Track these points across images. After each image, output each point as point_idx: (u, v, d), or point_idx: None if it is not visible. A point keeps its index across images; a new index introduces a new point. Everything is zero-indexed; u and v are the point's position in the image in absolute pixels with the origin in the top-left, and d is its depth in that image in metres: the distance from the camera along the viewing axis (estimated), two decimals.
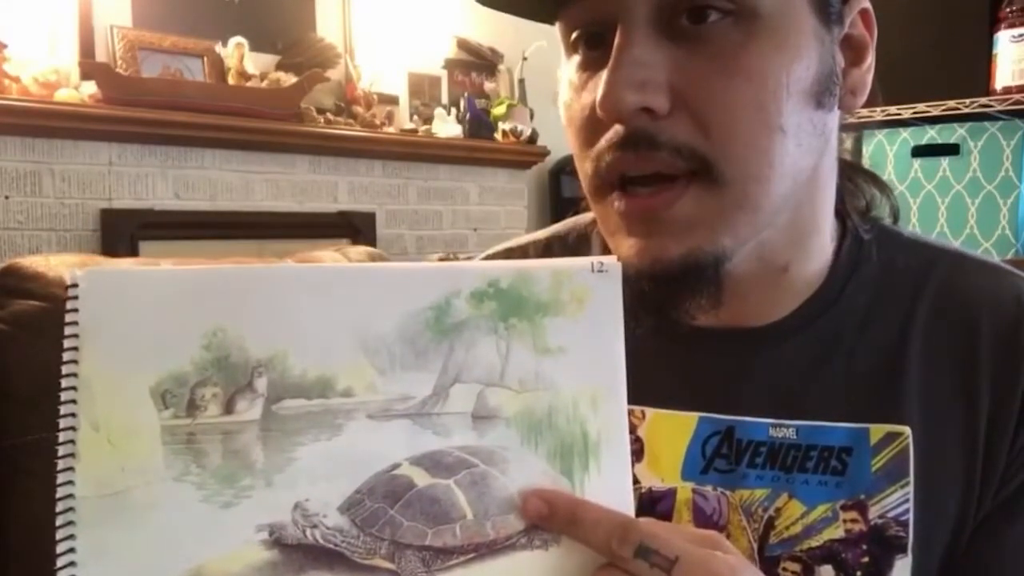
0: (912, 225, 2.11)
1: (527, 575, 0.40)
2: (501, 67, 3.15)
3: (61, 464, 0.37)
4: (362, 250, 1.57)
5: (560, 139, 3.00)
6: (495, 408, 0.40)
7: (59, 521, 0.37)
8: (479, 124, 2.94)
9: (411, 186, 2.85)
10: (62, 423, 0.37)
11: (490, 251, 0.71)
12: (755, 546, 0.54)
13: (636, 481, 0.55)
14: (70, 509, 0.37)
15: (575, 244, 0.65)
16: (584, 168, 0.51)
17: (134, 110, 2.14)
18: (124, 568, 0.37)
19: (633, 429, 0.56)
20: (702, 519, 0.55)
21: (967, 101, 1.98)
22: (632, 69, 0.46)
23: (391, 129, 2.75)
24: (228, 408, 0.38)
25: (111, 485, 0.37)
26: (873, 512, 0.52)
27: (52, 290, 0.82)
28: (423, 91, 2.98)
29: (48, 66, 2.08)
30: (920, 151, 2.11)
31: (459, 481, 0.39)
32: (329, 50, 2.70)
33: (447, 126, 2.87)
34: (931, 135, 2.09)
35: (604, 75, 0.46)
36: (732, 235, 0.48)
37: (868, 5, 0.52)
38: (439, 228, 2.95)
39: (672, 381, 0.56)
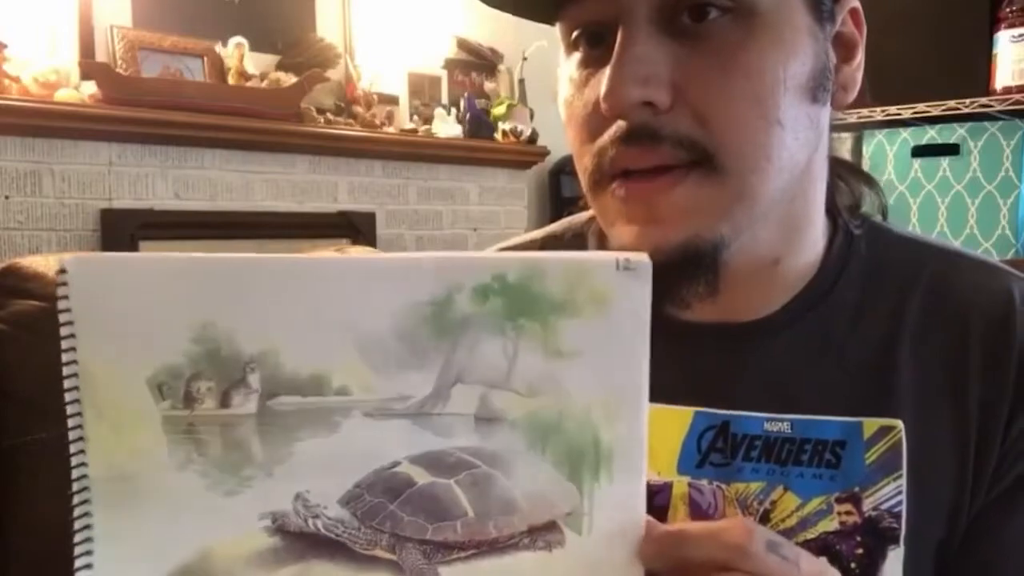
0: (912, 225, 2.11)
1: (530, 574, 0.39)
2: (501, 67, 3.15)
3: (73, 448, 0.37)
4: (362, 250, 1.57)
5: (560, 139, 3.00)
6: (500, 411, 0.38)
7: (75, 500, 0.37)
8: (479, 124, 2.94)
9: (411, 186, 2.86)
10: (68, 409, 0.37)
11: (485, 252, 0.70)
12: None
13: None
14: (85, 489, 0.37)
15: (571, 243, 0.66)
16: (584, 163, 0.52)
17: (134, 110, 2.15)
18: (136, 549, 0.38)
19: None
20: (698, 513, 0.55)
21: (967, 101, 1.98)
22: (635, 65, 0.47)
23: (391, 129, 2.75)
24: (224, 402, 0.38)
25: (120, 468, 0.38)
26: (867, 504, 0.52)
27: (52, 290, 0.82)
28: (423, 91, 2.98)
29: (48, 66, 2.08)
30: (920, 151, 2.11)
31: (460, 481, 0.38)
32: (329, 50, 2.70)
33: (447, 126, 2.87)
34: (931, 135, 2.09)
35: (607, 71, 0.47)
36: (730, 224, 0.49)
37: (857, 5, 0.54)
38: (439, 228, 2.95)
39: (667, 376, 0.56)
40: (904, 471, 0.52)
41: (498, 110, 3.03)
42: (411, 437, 0.38)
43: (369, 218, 2.73)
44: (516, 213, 3.18)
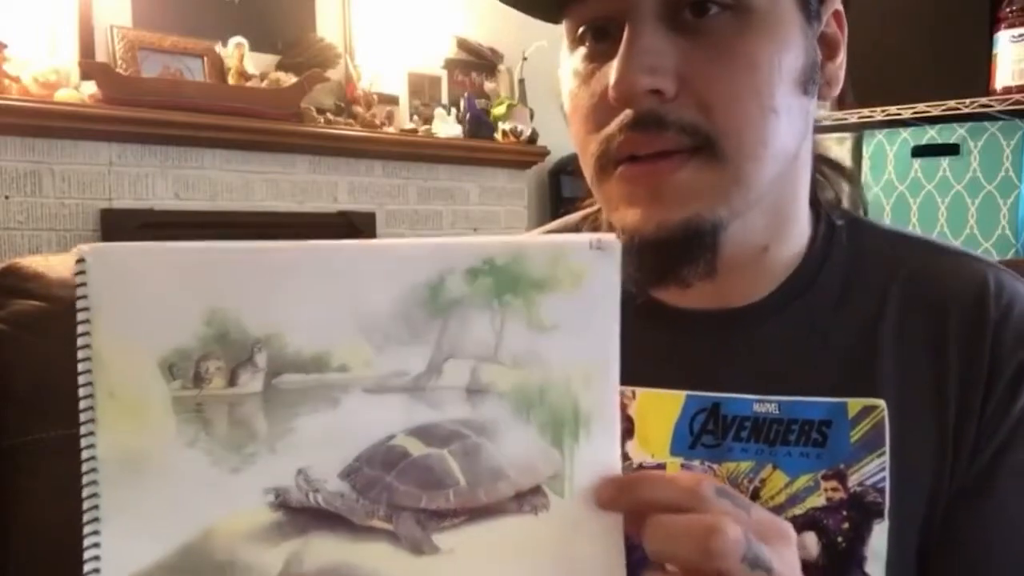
0: (912, 225, 2.11)
1: (517, 537, 0.41)
2: (501, 67, 3.15)
3: (83, 429, 0.39)
4: None
5: (560, 139, 3.01)
6: (488, 383, 0.41)
7: (84, 480, 0.39)
8: (479, 124, 2.94)
9: (411, 186, 2.86)
10: (81, 391, 0.39)
11: None
12: None
13: (627, 458, 0.58)
14: (93, 470, 0.39)
15: None
16: (589, 151, 0.55)
17: (134, 110, 2.15)
18: (143, 525, 0.40)
19: (624, 408, 0.58)
20: None
21: (967, 101, 1.98)
22: (643, 56, 0.50)
23: (391, 129, 2.75)
24: (231, 381, 0.40)
25: (129, 448, 0.40)
26: (852, 480, 0.55)
27: (52, 290, 0.82)
28: (423, 91, 2.98)
29: (48, 66, 2.08)
30: (920, 151, 2.11)
31: (453, 451, 0.41)
32: (329, 50, 2.70)
33: (447, 126, 2.87)
34: (931, 135, 2.09)
35: (615, 62, 0.50)
36: (728, 207, 0.52)
37: (840, 7, 0.58)
38: (439, 228, 2.95)
39: (660, 362, 0.59)
40: (887, 448, 0.54)
41: (498, 110, 3.03)
42: (407, 410, 0.40)
43: (369, 218, 2.73)
44: (516, 213, 3.18)
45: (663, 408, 0.58)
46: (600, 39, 0.53)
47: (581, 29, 0.54)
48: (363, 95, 2.70)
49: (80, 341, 0.39)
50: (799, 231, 0.59)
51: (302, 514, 0.40)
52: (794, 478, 0.55)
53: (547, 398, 0.41)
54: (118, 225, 2.20)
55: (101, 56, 2.27)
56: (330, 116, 2.60)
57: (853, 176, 0.65)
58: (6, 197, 2.06)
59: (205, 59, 2.41)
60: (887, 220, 2.10)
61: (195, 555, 0.40)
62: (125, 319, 0.39)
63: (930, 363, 0.56)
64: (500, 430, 0.41)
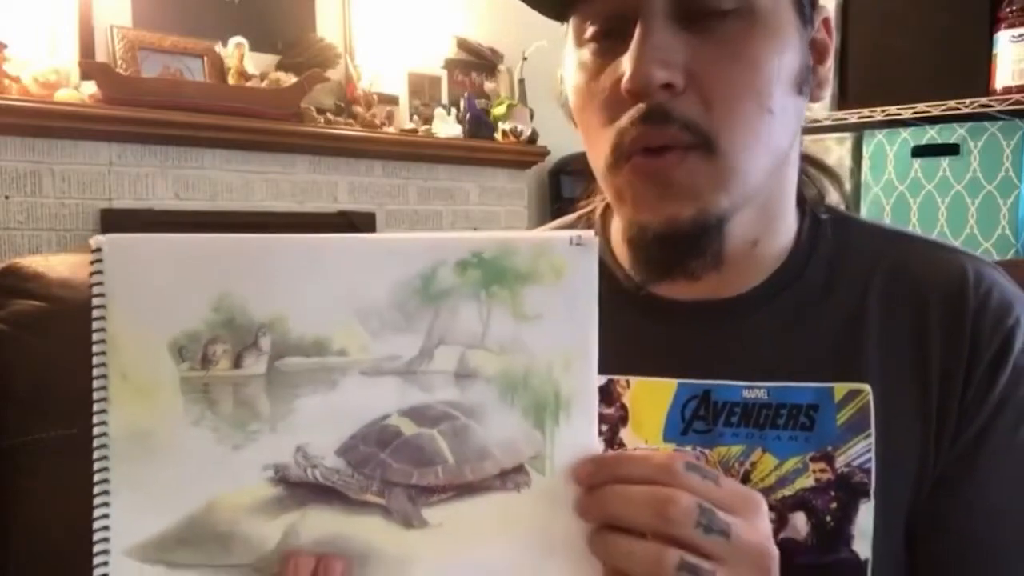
0: (912, 225, 2.11)
1: (501, 512, 0.44)
2: (501, 67, 3.15)
3: (96, 408, 0.42)
4: None
5: (560, 139, 3.01)
6: (476, 368, 0.43)
7: (95, 456, 0.42)
8: (479, 124, 2.94)
9: (411, 186, 2.85)
10: (95, 372, 0.42)
11: None
12: None
13: (621, 444, 0.61)
14: (104, 446, 0.42)
15: None
16: (599, 145, 0.56)
17: (134, 110, 2.14)
18: (149, 498, 0.43)
19: (618, 397, 0.61)
20: None
21: (967, 101, 1.98)
22: (657, 51, 0.52)
23: (391, 129, 2.75)
24: (237, 363, 0.43)
25: (138, 426, 0.43)
26: (839, 462, 0.57)
27: (52, 290, 0.82)
28: (423, 91, 2.98)
29: (48, 66, 2.08)
30: (920, 151, 2.11)
31: (442, 431, 0.43)
32: (329, 50, 2.70)
33: (447, 126, 2.87)
34: (931, 135, 2.09)
35: (630, 56, 0.52)
36: (729, 199, 0.55)
37: (830, 15, 0.61)
38: (439, 228, 2.95)
39: (653, 351, 0.61)
40: (872, 431, 0.57)
41: (498, 110, 3.03)
42: (401, 392, 0.43)
43: (369, 218, 2.73)
44: (516, 213, 3.18)
45: (656, 396, 0.60)
46: (608, 36, 0.55)
47: (589, 25, 0.56)
48: (363, 95, 2.70)
49: (95, 325, 0.42)
50: (787, 226, 0.62)
51: (300, 489, 0.43)
52: (783, 461, 0.57)
53: (530, 383, 0.43)
54: (118, 225, 2.20)
55: (101, 56, 2.27)
56: (330, 116, 2.60)
57: (836, 175, 0.68)
58: (6, 197, 2.06)
59: (205, 59, 2.41)
60: (887, 220, 2.10)
61: (198, 526, 0.43)
62: (138, 305, 0.42)
63: (913, 350, 0.58)
64: (486, 412, 0.44)
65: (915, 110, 2.05)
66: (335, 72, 2.69)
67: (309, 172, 2.59)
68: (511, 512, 0.44)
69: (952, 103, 1.99)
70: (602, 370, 0.44)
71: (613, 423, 0.61)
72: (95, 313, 0.42)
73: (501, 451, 0.44)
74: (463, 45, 3.07)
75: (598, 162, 0.57)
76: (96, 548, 0.42)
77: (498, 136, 3.00)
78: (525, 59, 3.04)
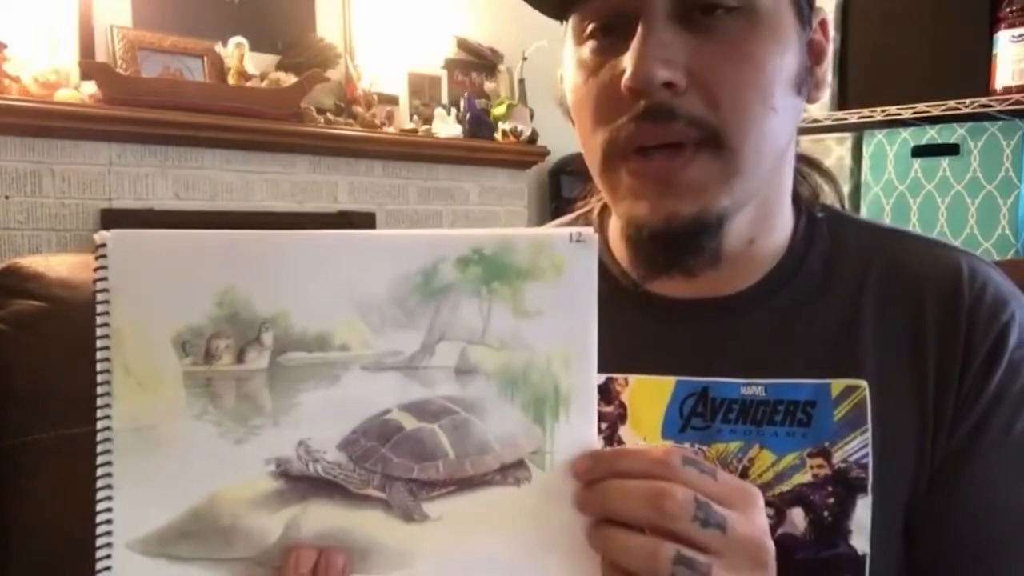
0: (912, 225, 2.11)
1: (501, 506, 0.44)
2: (501, 67, 3.15)
3: (99, 402, 0.43)
4: None
5: (560, 139, 3.01)
6: (476, 363, 0.44)
7: (98, 449, 0.43)
8: (479, 124, 2.94)
9: (411, 186, 2.86)
10: (99, 367, 0.43)
11: None
12: None
13: (620, 441, 0.61)
14: (107, 440, 0.43)
15: None
16: (595, 142, 0.57)
17: (134, 110, 2.15)
18: (152, 492, 0.43)
19: (617, 395, 0.61)
20: None
21: (967, 101, 1.98)
22: (659, 49, 0.52)
23: (391, 129, 2.75)
24: (239, 358, 0.43)
25: (141, 420, 0.43)
26: (837, 457, 0.57)
27: (52, 290, 0.82)
28: (423, 91, 2.98)
29: (48, 66, 2.08)
30: (920, 151, 2.11)
31: (443, 426, 0.44)
32: (329, 50, 2.70)
33: (447, 126, 2.87)
34: (931, 135, 2.09)
35: (631, 55, 0.52)
36: (731, 197, 0.55)
37: (826, 16, 0.61)
38: (439, 228, 2.95)
39: (652, 349, 0.62)
40: (869, 426, 0.57)
41: (498, 110, 3.03)
42: (402, 387, 0.44)
43: (369, 218, 2.73)
44: (516, 213, 3.18)
45: (654, 393, 0.60)
46: (608, 34, 0.55)
47: (589, 24, 0.56)
48: (363, 95, 2.70)
49: (99, 320, 0.42)
50: (783, 224, 0.62)
51: (302, 482, 0.43)
52: (781, 456, 0.58)
53: (530, 378, 0.44)
54: (118, 225, 2.13)
55: (101, 56, 2.27)
56: (330, 116, 2.60)
57: (831, 174, 0.69)
58: (6, 197, 2.06)
59: (205, 59, 2.41)
60: (887, 219, 2.10)
61: (201, 519, 0.43)
62: (142, 300, 0.43)
63: (909, 346, 0.58)
64: (486, 407, 0.44)
65: (915, 110, 2.05)
66: (335, 72, 2.69)
67: (309, 172, 2.59)
68: (511, 506, 0.44)
69: (952, 103, 1.99)
70: (601, 369, 0.44)
71: (612, 421, 0.61)
72: (99, 308, 0.42)
73: (501, 446, 0.44)
74: (463, 45, 3.07)
75: (593, 159, 0.58)
76: (99, 542, 0.43)
77: (498, 136, 3.00)
78: (525, 59, 3.04)
